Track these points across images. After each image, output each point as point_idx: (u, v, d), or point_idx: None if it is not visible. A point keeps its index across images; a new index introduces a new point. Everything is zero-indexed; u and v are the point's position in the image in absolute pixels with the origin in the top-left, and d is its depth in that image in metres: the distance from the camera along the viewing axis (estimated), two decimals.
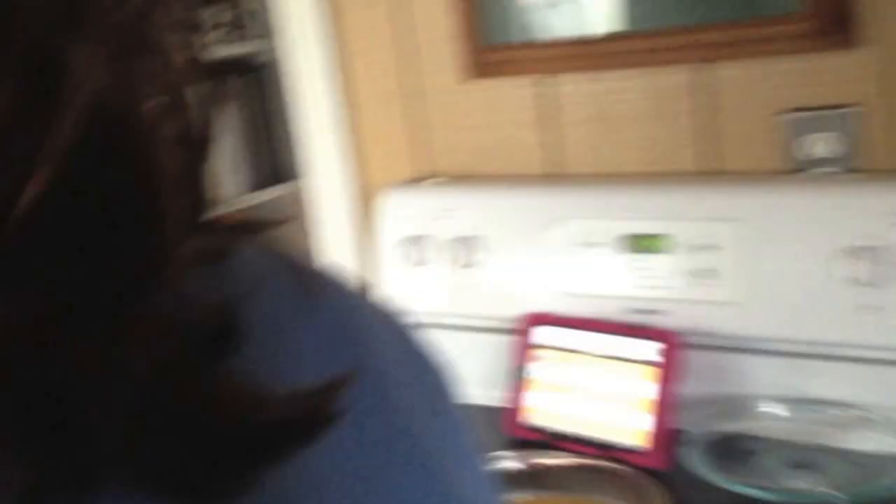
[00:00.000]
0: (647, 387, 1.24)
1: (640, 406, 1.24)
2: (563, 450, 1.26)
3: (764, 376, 1.25)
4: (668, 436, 1.22)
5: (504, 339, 1.37)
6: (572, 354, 1.30)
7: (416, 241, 1.42)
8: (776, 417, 1.23)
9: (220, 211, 0.35)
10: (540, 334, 1.33)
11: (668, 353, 1.24)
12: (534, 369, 1.33)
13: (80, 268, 0.28)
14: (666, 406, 1.23)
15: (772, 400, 1.24)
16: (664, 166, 1.37)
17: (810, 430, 1.20)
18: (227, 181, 2.83)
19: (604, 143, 1.40)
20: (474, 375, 1.43)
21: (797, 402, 1.22)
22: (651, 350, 1.24)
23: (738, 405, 1.26)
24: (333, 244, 1.59)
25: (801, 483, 1.12)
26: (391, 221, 1.46)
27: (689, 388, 1.25)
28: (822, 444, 1.18)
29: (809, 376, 1.22)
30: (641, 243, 1.30)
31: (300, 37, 1.53)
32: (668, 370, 1.24)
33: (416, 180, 1.52)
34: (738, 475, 1.13)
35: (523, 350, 1.34)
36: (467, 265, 1.40)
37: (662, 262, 1.29)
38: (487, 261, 1.39)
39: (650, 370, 1.24)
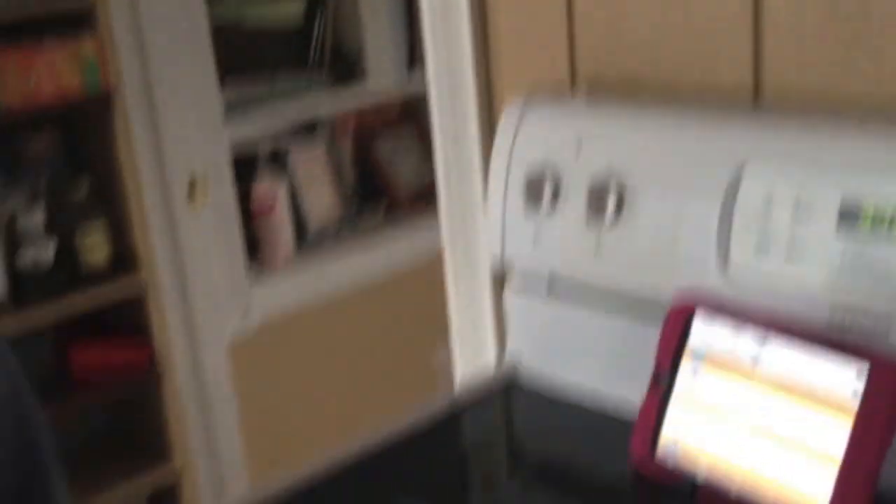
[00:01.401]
0: (842, 432, 0.81)
1: (827, 461, 0.82)
2: None
3: None
4: None
5: (648, 325, 0.97)
6: (738, 366, 0.89)
7: (543, 176, 1.02)
8: None
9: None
10: (697, 329, 0.92)
11: (878, 384, 0.80)
12: (681, 378, 0.93)
13: None
14: (866, 466, 0.80)
15: None
16: None
17: None
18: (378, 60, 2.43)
19: (851, 50, 0.93)
20: (603, 366, 1.05)
21: None
22: (855, 377, 0.82)
23: None
24: (452, 160, 1.21)
25: None
26: (514, 145, 1.06)
27: None
28: None
29: None
30: (871, 217, 0.86)
31: None
32: (876, 409, 0.80)
33: (555, 87, 1.11)
34: None
35: (671, 346, 0.94)
36: (611, 216, 0.99)
37: None
38: (640, 213, 0.98)
39: (850, 407, 0.81)
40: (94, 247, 2.13)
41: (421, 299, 2.03)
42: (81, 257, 2.13)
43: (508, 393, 1.14)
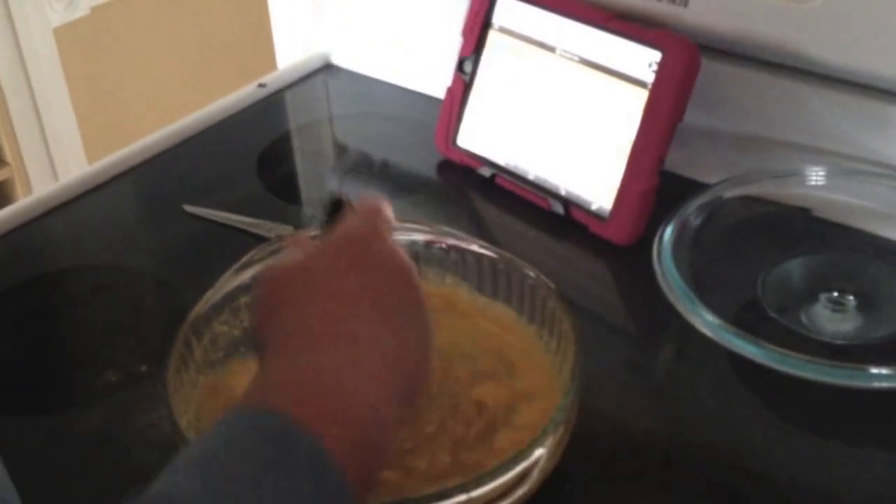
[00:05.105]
0: (637, 104, 0.80)
1: (622, 140, 0.80)
2: (510, 193, 0.87)
3: (831, 119, 0.79)
4: (643, 197, 0.79)
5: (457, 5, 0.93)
6: (537, 50, 0.86)
7: None
8: (830, 188, 0.79)
9: None
10: (500, 9, 0.88)
11: (668, 68, 0.78)
12: (484, 63, 0.90)
13: None
14: (650, 151, 0.79)
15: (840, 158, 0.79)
16: None
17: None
18: None
19: None
20: (412, 48, 1.02)
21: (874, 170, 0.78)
22: (648, 62, 0.79)
23: (775, 156, 0.82)
24: None
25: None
26: None
27: (702, 123, 0.82)
28: None
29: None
30: None
31: None
32: (665, 94, 0.78)
33: None
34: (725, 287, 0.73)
35: (474, 30, 0.90)
36: None
37: None
38: None
39: (646, 82, 0.79)
40: None
41: None
42: None
43: (324, 74, 1.11)
